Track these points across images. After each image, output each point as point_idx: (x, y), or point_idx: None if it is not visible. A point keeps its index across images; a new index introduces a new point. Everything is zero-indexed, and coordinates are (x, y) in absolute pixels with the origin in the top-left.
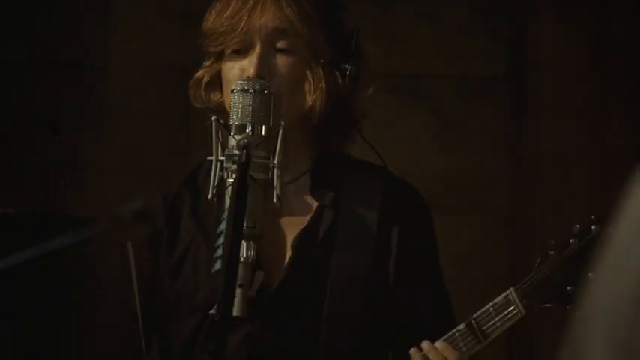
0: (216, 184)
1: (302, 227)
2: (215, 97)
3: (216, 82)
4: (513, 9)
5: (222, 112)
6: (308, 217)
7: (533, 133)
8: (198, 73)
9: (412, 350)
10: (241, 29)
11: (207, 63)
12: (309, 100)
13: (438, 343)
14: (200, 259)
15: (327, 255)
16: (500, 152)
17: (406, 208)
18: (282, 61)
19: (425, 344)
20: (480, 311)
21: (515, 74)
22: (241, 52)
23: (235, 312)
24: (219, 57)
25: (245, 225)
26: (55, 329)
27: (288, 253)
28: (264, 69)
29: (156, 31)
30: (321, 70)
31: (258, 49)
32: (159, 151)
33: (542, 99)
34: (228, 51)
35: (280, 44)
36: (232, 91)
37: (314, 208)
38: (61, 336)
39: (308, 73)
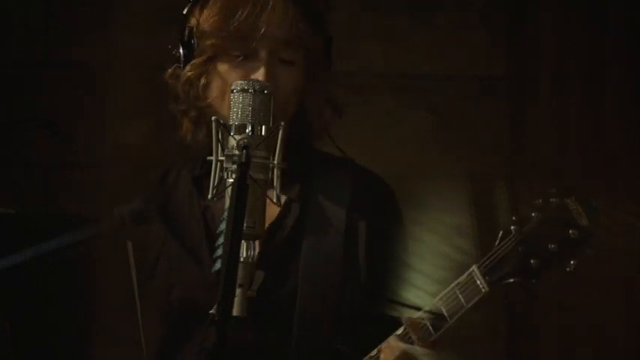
0: (216, 184)
1: (270, 221)
2: (206, 96)
3: (210, 82)
4: (513, 9)
5: (207, 113)
6: (277, 211)
7: (533, 133)
8: (191, 73)
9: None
10: (252, 37)
11: (197, 60)
12: (309, 107)
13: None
14: (173, 260)
15: (296, 247)
16: (500, 152)
17: (374, 199)
18: (285, 73)
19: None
20: (445, 291)
21: (515, 74)
22: (244, 57)
23: (235, 312)
24: (214, 56)
25: (245, 225)
26: (54, 329)
27: (258, 248)
28: (271, 79)
29: (156, 31)
30: (319, 78)
31: (266, 58)
32: (159, 151)
33: (542, 99)
34: (231, 54)
35: (285, 55)
36: (232, 91)
37: (283, 202)
38: (61, 336)
39: (307, 82)
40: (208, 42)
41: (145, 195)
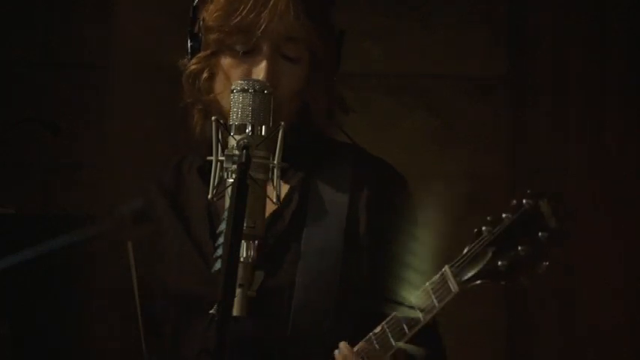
0: (216, 184)
1: (272, 211)
2: (211, 90)
3: (214, 76)
4: (513, 9)
5: (213, 107)
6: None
7: (533, 133)
8: (195, 66)
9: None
10: (255, 33)
11: (201, 54)
12: (312, 107)
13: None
14: (178, 254)
15: (298, 235)
16: (500, 152)
17: (378, 180)
18: (288, 70)
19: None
20: (419, 291)
21: (515, 74)
22: (247, 52)
23: (235, 312)
24: (217, 51)
25: (245, 225)
26: (54, 329)
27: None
28: (273, 75)
29: (156, 31)
30: (322, 78)
31: (268, 54)
32: (159, 151)
33: (542, 99)
34: (234, 49)
35: (288, 51)
36: (232, 91)
37: (286, 191)
38: (61, 336)
39: (312, 82)
40: (212, 36)
41: (145, 188)
